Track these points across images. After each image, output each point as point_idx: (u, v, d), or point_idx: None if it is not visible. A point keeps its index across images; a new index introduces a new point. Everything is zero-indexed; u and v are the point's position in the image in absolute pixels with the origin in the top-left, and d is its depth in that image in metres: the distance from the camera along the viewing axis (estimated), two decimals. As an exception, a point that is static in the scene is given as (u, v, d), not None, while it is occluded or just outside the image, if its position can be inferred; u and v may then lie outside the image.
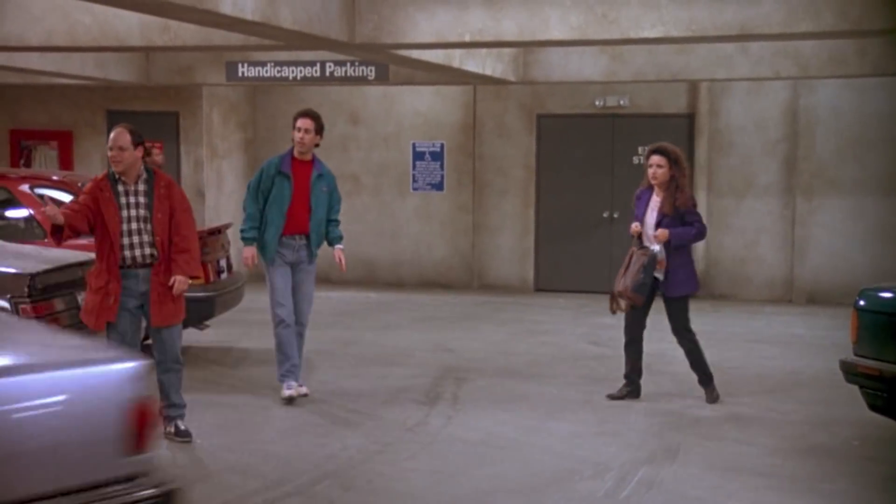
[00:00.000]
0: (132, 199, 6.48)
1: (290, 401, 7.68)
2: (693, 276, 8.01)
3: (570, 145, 14.73)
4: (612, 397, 8.03)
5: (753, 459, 6.55)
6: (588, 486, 5.98)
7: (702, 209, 14.09)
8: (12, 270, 6.60)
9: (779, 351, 10.44)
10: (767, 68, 12.03)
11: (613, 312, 8.06)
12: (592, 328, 11.43)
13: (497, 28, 8.41)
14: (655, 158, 7.82)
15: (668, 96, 14.32)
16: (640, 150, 14.35)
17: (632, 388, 8.08)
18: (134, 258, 6.48)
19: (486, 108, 14.97)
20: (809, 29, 7.86)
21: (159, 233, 6.48)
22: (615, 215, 14.30)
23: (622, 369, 8.14)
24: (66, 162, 15.39)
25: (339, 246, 8.00)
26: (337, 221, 8.03)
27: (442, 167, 15.24)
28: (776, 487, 6.01)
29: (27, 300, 6.42)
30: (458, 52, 10.65)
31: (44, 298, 6.55)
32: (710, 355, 10.07)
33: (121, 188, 6.49)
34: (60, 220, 6.34)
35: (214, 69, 13.32)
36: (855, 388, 6.86)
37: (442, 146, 15.21)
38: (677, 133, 14.36)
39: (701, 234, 7.90)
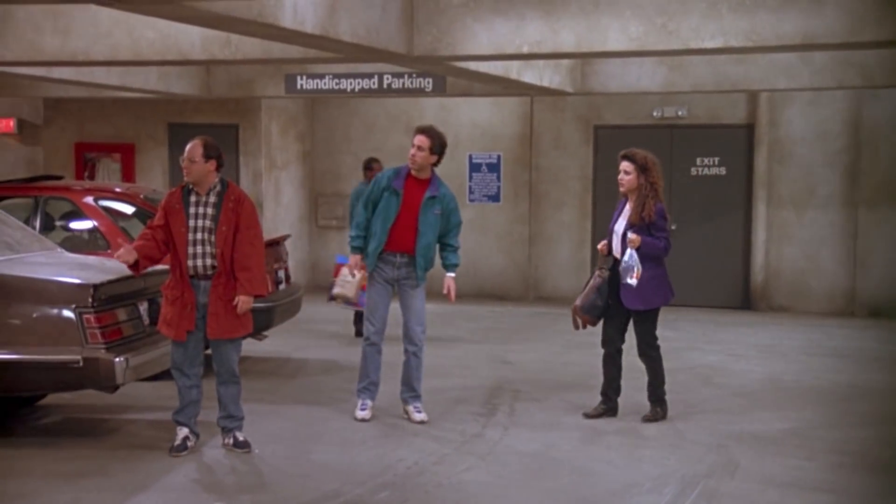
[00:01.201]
0: (201, 210, 6.64)
1: (362, 421, 7.57)
2: (661, 287, 7.53)
3: (628, 156, 14.63)
4: (587, 416, 7.73)
5: (814, 474, 6.45)
6: (647, 499, 5.94)
7: (760, 220, 14.09)
8: (77, 281, 6.73)
9: (841, 364, 10.27)
10: (830, 78, 11.82)
11: (576, 328, 7.84)
12: (650, 340, 11.32)
13: (555, 39, 8.39)
14: (623, 165, 7.63)
15: (727, 106, 14.18)
16: (698, 161, 14.26)
17: (608, 407, 7.74)
18: (196, 268, 6.58)
19: (543, 119, 14.95)
20: (873, 38, 7.72)
21: (220, 245, 6.58)
22: (672, 226, 14.16)
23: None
24: (128, 174, 15.69)
25: (450, 274, 7.70)
26: (453, 246, 7.72)
27: (498, 178, 15.24)
28: (838, 504, 5.93)
29: (91, 310, 6.54)
30: (515, 63, 10.65)
31: (107, 308, 6.66)
32: (769, 368, 10.03)
33: (192, 198, 6.66)
34: (134, 257, 6.53)
35: (273, 82, 13.46)
36: (920, 404, 6.75)
37: (499, 157, 15.22)
38: (736, 144, 14.25)
39: (667, 249, 7.52)
